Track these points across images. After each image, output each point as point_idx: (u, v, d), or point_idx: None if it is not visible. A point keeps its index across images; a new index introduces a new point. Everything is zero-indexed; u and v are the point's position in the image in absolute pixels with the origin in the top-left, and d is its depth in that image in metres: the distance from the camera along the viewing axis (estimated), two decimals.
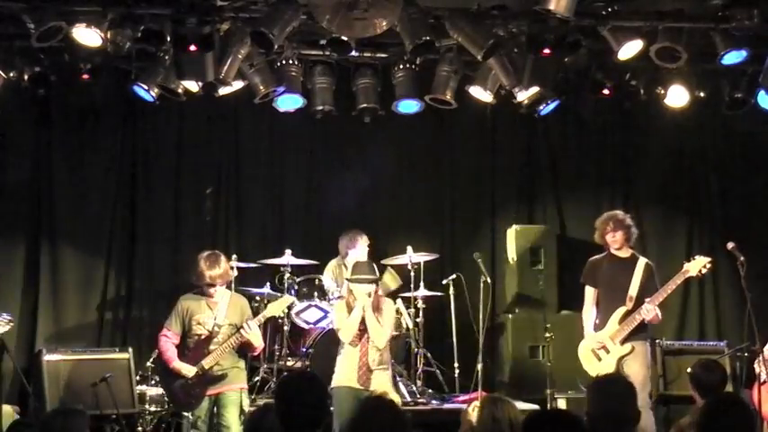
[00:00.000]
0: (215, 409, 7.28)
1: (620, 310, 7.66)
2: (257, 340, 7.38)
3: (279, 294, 8.87)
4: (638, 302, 7.62)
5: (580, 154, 10.63)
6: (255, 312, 8.05)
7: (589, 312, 7.88)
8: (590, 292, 7.91)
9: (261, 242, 10.08)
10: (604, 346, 7.70)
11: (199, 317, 7.32)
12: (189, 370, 7.20)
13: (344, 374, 7.30)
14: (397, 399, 7.09)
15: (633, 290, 7.67)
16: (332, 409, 7.24)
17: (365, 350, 7.28)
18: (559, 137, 10.55)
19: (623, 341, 7.62)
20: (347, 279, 7.54)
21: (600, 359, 7.73)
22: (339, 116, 9.29)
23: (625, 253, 7.84)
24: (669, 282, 7.64)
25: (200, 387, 7.22)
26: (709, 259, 7.66)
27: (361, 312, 7.25)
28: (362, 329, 7.30)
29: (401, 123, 9.62)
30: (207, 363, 7.20)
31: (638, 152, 10.64)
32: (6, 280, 9.42)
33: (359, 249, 9.38)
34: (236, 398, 7.30)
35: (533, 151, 10.68)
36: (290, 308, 9.06)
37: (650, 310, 7.54)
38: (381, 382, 7.28)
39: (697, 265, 7.63)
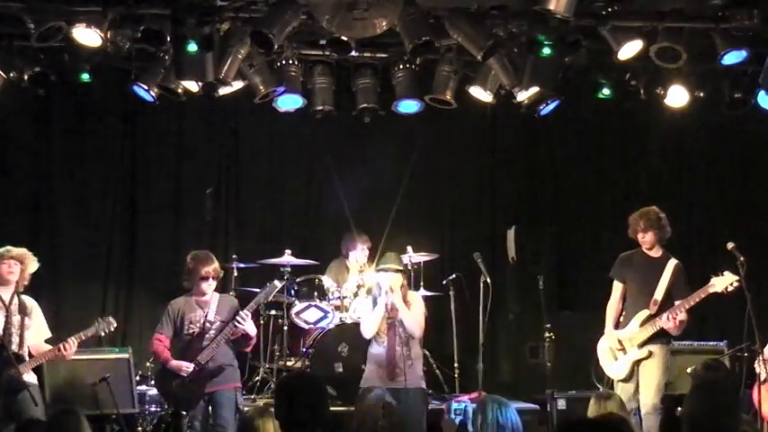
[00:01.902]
0: (210, 408, 7.28)
1: (643, 314, 7.52)
2: (252, 329, 7.36)
3: (280, 294, 8.87)
4: (663, 306, 7.47)
5: (580, 154, 10.63)
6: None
7: (613, 308, 7.73)
8: (617, 288, 7.77)
9: (261, 242, 10.08)
10: (623, 347, 7.64)
11: (191, 316, 7.34)
12: (187, 366, 7.21)
13: (374, 373, 7.18)
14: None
15: (659, 293, 7.51)
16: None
17: (392, 345, 7.18)
18: (559, 137, 10.56)
19: (641, 344, 7.50)
20: (375, 270, 7.49)
21: (616, 359, 7.65)
22: (339, 116, 9.29)
23: (656, 252, 7.68)
24: (693, 295, 7.47)
25: (198, 384, 7.23)
26: (737, 278, 7.36)
27: (385, 305, 7.17)
28: (389, 325, 7.22)
29: (401, 123, 9.62)
30: (203, 358, 7.22)
31: (638, 152, 10.65)
32: None
33: (358, 251, 9.40)
34: (231, 397, 7.29)
35: (533, 151, 10.69)
36: (289, 308, 9.08)
37: (669, 321, 7.42)
38: (410, 382, 7.16)
39: (724, 282, 7.38)
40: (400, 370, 7.14)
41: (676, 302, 7.49)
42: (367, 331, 7.27)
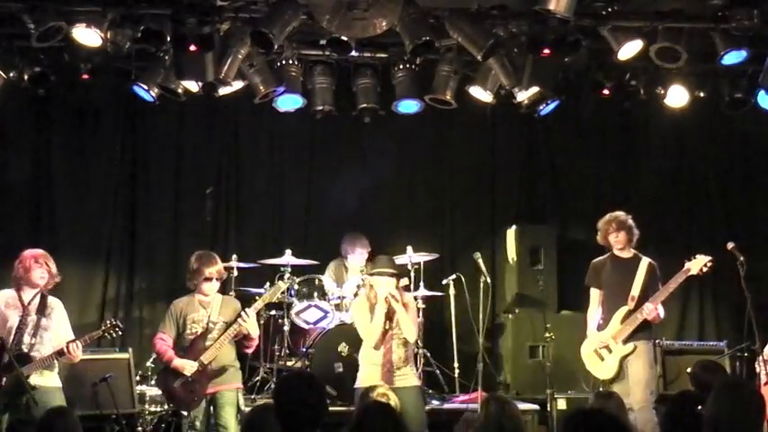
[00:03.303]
0: (212, 408, 7.29)
1: (623, 310, 7.65)
2: (254, 330, 7.36)
3: (280, 294, 8.87)
4: (641, 302, 7.61)
5: (580, 154, 10.63)
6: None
7: (593, 314, 7.86)
8: (595, 294, 7.90)
9: (261, 242, 10.09)
10: (607, 346, 7.68)
11: (193, 315, 7.33)
12: (191, 366, 7.21)
13: (368, 374, 7.16)
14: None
15: (635, 290, 7.65)
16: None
17: (389, 347, 7.12)
18: (559, 137, 10.56)
19: (625, 340, 7.59)
20: (368, 273, 7.47)
21: (602, 359, 7.71)
22: (339, 116, 9.29)
23: (628, 253, 7.83)
24: (670, 281, 7.63)
25: (200, 384, 7.22)
26: (709, 258, 7.63)
27: (384, 312, 7.10)
28: (387, 328, 7.15)
29: (401, 123, 9.62)
30: (206, 358, 7.21)
31: (638, 152, 10.65)
32: (6, 280, 9.40)
33: (357, 255, 9.40)
34: (232, 397, 7.30)
35: (533, 151, 10.69)
36: (289, 308, 9.08)
37: (651, 310, 7.53)
38: (407, 380, 7.14)
39: (698, 264, 7.61)
40: (398, 370, 7.14)
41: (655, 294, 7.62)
42: (371, 339, 7.18)
